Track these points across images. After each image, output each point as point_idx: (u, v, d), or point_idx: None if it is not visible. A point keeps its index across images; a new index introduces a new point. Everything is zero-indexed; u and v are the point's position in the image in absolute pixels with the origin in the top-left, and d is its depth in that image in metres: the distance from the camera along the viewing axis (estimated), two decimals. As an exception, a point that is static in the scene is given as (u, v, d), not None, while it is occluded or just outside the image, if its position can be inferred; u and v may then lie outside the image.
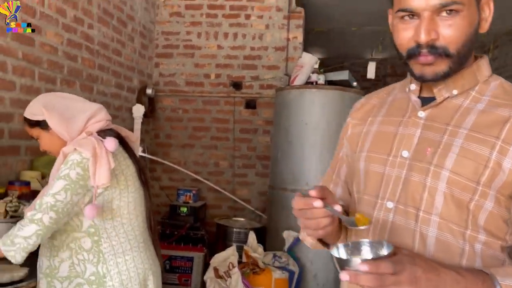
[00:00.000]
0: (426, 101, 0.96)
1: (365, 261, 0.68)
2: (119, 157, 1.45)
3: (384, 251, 0.74)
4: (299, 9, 4.45)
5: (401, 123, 0.98)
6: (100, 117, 1.47)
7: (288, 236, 3.43)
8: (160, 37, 4.55)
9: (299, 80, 3.66)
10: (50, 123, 1.43)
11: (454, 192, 0.87)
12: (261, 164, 4.46)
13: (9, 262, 1.33)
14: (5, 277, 1.43)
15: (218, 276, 2.56)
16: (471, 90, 0.93)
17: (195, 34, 4.50)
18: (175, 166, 4.15)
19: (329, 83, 3.64)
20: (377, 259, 0.71)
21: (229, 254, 2.70)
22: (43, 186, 2.37)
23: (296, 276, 3.20)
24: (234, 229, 3.90)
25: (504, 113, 0.87)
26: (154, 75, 4.57)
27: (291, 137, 3.62)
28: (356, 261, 0.69)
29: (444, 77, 0.90)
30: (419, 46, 0.87)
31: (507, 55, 6.26)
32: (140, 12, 4.15)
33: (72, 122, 1.44)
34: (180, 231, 3.77)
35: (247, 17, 4.43)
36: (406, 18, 0.89)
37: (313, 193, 0.84)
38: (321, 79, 3.56)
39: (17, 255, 1.32)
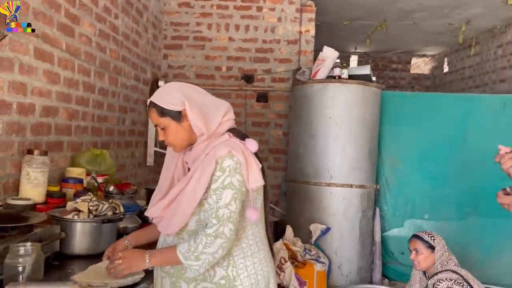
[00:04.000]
0: None
1: None
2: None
3: None
4: (310, 2, 4.47)
5: None
6: (230, 115, 1.43)
7: (315, 229, 3.48)
8: (169, 28, 4.43)
9: (321, 74, 3.69)
10: (189, 115, 1.35)
11: None
12: (273, 157, 4.48)
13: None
14: (128, 280, 1.37)
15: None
16: None
17: (205, 26, 4.42)
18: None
19: (350, 77, 3.69)
20: None
21: (278, 249, 2.71)
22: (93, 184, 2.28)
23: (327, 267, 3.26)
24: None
25: None
26: (162, 66, 4.44)
27: (314, 130, 3.65)
28: None
29: None
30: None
31: (488, 51, 6.58)
32: (153, 2, 4.02)
33: (210, 117, 1.38)
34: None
35: (259, 9, 4.39)
36: None
37: None
38: (344, 73, 3.60)
39: (201, 269, 1.31)
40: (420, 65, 9.34)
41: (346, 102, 3.61)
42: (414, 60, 9.28)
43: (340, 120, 3.61)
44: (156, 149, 4.05)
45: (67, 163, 2.49)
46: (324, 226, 3.47)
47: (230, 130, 1.43)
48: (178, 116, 1.38)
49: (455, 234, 3.82)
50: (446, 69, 8.35)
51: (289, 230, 3.11)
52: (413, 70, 9.29)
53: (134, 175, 3.63)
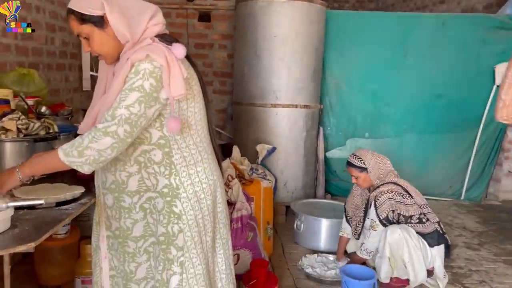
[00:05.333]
0: None
1: None
2: (185, 65, 1.32)
3: None
4: None
5: None
6: (158, 19, 1.31)
7: (261, 149, 3.52)
8: None
9: (266, -10, 3.52)
10: (110, 20, 1.23)
11: None
12: (218, 81, 4.37)
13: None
14: (67, 195, 1.31)
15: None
16: None
17: None
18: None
19: (295, -6, 3.55)
20: None
21: (226, 167, 2.72)
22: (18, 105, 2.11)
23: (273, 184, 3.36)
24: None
25: None
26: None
27: (260, 50, 3.56)
28: None
29: None
30: None
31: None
32: None
33: (134, 22, 1.25)
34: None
35: None
36: None
37: None
38: (289, -11, 3.46)
39: (84, 166, 1.20)
40: (365, -12, 9.24)
41: (291, 20, 3.51)
42: (359, -17, 9.16)
43: (285, 39, 3.53)
44: (92, 73, 3.80)
45: (-10, 84, 2.26)
46: (270, 146, 3.52)
47: (160, 35, 1.32)
48: (100, 21, 1.26)
49: (392, 150, 4.03)
50: (389, -9, 8.33)
51: (236, 150, 3.11)
52: (358, -7, 9.19)
53: (70, 100, 3.41)
